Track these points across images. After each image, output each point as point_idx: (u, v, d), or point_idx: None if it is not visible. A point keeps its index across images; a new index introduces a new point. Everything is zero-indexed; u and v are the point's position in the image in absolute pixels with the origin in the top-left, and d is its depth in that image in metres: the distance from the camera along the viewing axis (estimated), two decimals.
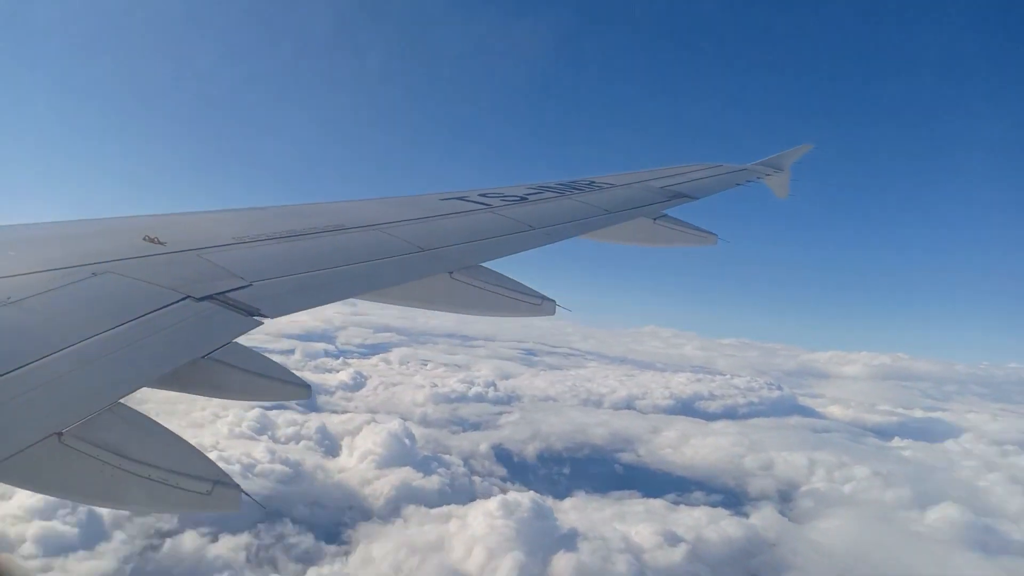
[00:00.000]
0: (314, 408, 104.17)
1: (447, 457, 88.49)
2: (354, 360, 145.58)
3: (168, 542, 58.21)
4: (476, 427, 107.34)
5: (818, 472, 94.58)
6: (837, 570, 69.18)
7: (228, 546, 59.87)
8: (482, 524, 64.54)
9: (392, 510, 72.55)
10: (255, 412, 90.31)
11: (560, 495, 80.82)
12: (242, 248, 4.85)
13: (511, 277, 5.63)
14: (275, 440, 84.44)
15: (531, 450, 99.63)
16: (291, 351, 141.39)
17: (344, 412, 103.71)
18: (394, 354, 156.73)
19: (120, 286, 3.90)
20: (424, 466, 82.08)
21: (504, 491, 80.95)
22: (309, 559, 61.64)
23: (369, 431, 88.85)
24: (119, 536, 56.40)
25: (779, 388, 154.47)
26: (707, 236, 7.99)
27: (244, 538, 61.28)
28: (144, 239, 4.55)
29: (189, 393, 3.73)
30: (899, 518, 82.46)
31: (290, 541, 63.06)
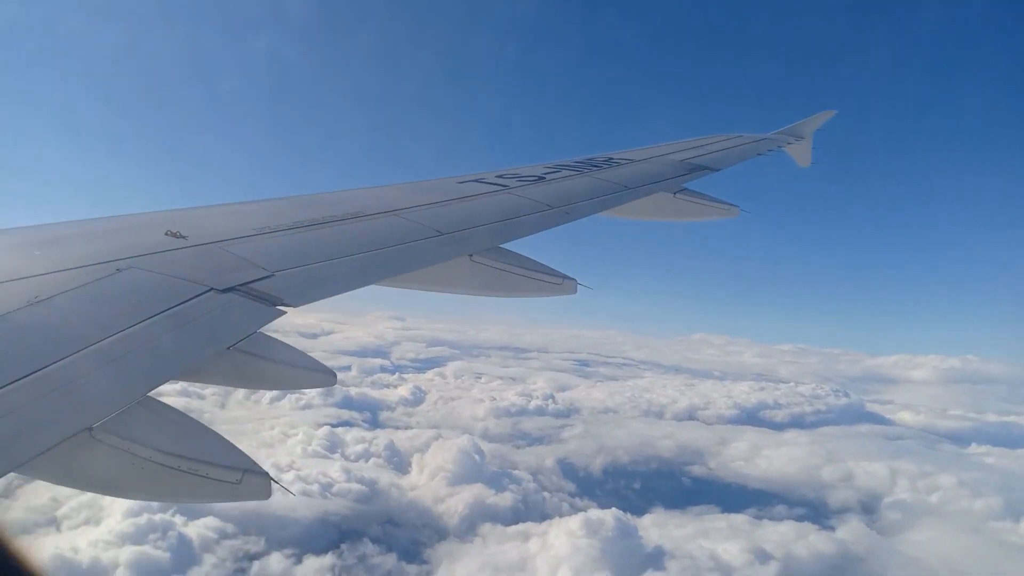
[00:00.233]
0: (378, 424, 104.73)
1: (516, 473, 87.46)
2: (410, 375, 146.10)
3: (256, 564, 58.26)
4: (540, 441, 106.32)
5: (900, 482, 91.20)
6: None
7: (313, 567, 59.81)
8: (565, 543, 63.26)
9: (468, 528, 71.84)
10: (324, 430, 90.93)
11: (637, 511, 79.10)
12: (263, 239, 4.86)
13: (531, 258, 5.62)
14: (346, 458, 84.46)
15: (598, 464, 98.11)
16: (348, 367, 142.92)
17: (407, 428, 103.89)
18: (449, 368, 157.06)
19: (144, 281, 3.93)
20: (495, 482, 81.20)
21: (576, 507, 79.90)
22: None
23: (437, 447, 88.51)
24: (209, 559, 56.67)
25: (846, 395, 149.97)
26: (729, 208, 7.86)
27: (328, 559, 61.21)
28: (166, 234, 4.58)
29: (216, 384, 3.82)
30: (992, 529, 79.00)
31: (373, 561, 62.73)
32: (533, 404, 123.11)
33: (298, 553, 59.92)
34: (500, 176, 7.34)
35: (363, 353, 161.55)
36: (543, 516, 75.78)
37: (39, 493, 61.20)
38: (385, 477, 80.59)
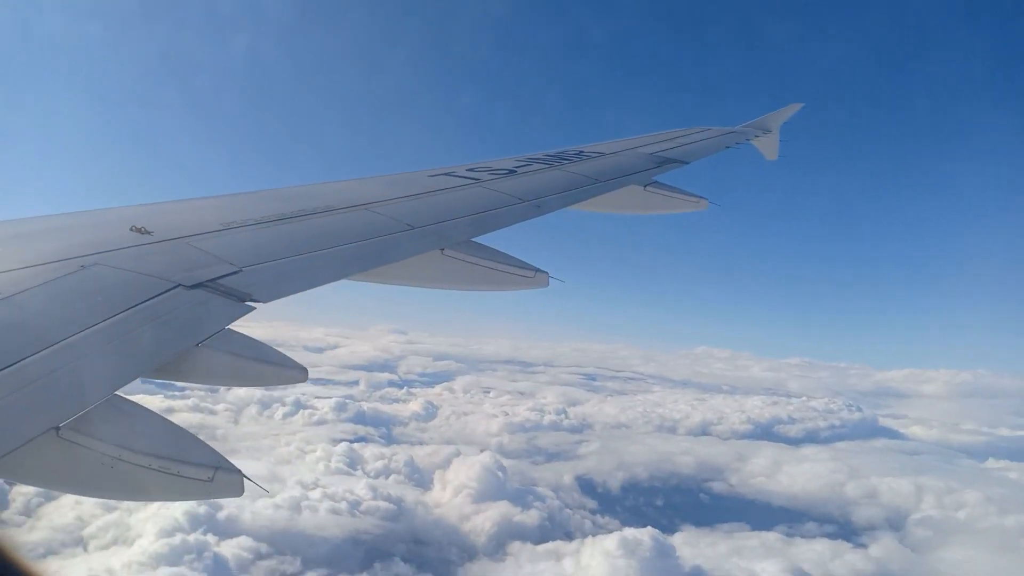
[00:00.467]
0: (393, 440, 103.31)
1: (539, 490, 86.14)
2: (418, 389, 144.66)
3: None
4: (557, 457, 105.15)
5: (926, 498, 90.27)
6: None
7: None
8: (602, 564, 61.92)
9: (497, 547, 70.57)
10: (342, 446, 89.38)
11: (666, 529, 77.77)
12: (231, 234, 4.78)
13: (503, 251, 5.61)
14: (367, 475, 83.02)
15: (616, 481, 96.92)
16: (355, 382, 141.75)
17: (423, 444, 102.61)
18: (457, 382, 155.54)
19: (110, 278, 3.86)
20: (520, 500, 79.93)
21: (599, 525, 78.83)
22: None
23: (459, 464, 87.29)
24: None
25: (859, 409, 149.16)
26: (698, 201, 8.00)
27: None
28: (131, 229, 4.50)
29: (185, 382, 3.72)
30: None
31: None
32: (547, 419, 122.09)
33: (332, 573, 58.62)
34: (471, 170, 7.31)
35: (370, 367, 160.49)
36: (568, 534, 74.71)
37: (63, 512, 59.61)
38: (410, 495, 79.25)
